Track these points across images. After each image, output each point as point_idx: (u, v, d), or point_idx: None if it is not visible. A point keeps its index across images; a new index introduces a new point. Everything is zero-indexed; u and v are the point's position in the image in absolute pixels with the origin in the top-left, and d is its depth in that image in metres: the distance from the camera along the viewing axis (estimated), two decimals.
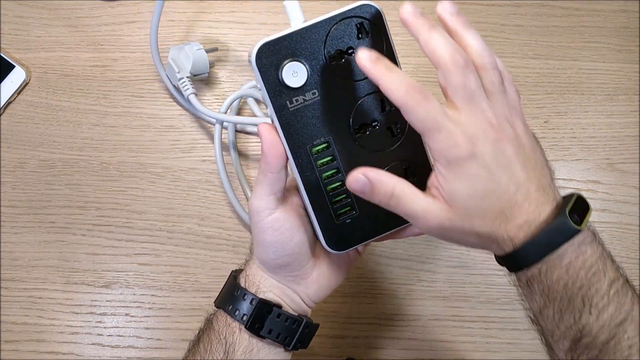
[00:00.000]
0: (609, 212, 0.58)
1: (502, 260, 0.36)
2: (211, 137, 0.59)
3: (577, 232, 0.34)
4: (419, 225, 0.35)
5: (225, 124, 0.58)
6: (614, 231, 0.58)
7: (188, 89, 0.56)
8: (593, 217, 0.58)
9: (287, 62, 0.34)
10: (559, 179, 0.59)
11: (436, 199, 0.34)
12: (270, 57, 0.34)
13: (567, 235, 0.33)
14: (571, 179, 0.59)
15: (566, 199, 0.36)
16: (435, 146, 0.33)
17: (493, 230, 0.34)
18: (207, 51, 0.57)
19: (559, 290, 0.34)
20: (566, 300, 0.34)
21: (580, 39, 0.63)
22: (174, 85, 0.58)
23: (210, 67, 0.58)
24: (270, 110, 0.35)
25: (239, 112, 0.60)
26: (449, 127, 0.32)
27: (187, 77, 0.56)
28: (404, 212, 0.35)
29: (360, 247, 0.42)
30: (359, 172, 0.34)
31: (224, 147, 0.58)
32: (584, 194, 0.59)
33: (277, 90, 0.35)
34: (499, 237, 0.34)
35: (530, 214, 0.34)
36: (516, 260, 0.35)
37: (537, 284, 0.35)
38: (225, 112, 0.57)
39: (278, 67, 0.34)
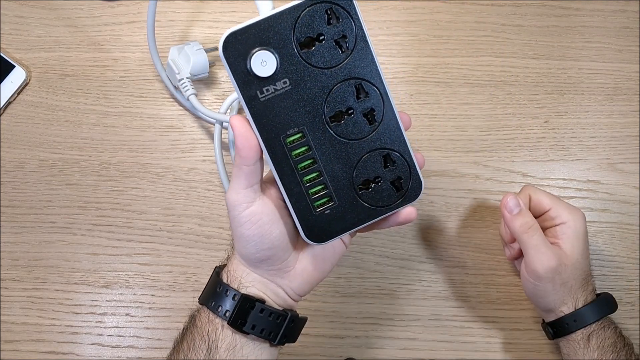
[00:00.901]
0: (609, 212, 0.58)
1: (571, 317, 0.48)
2: (211, 137, 0.59)
3: (616, 308, 0.50)
4: (537, 260, 0.47)
5: (225, 124, 0.58)
6: (614, 231, 0.58)
7: (188, 89, 0.56)
8: (593, 217, 0.59)
9: (255, 51, 0.33)
10: (558, 179, 0.59)
11: (557, 247, 0.48)
12: (238, 47, 0.33)
13: (616, 307, 0.50)
14: (571, 178, 0.59)
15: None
16: (563, 214, 0.49)
17: (581, 287, 0.49)
18: (207, 51, 0.57)
19: (610, 344, 0.47)
20: (615, 353, 0.47)
21: (580, 39, 0.63)
22: (174, 86, 0.58)
23: (210, 67, 0.58)
24: (241, 101, 0.35)
25: (239, 112, 0.60)
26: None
27: (187, 77, 0.56)
28: (533, 244, 0.47)
29: (345, 238, 0.41)
30: (512, 195, 0.49)
31: (224, 147, 0.58)
32: (584, 194, 0.59)
33: (246, 81, 0.34)
34: (580, 295, 0.48)
35: (592, 287, 0.50)
36: (587, 314, 0.48)
37: (595, 338, 0.48)
38: (225, 113, 0.57)
39: (246, 57, 0.34)
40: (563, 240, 0.48)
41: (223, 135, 0.58)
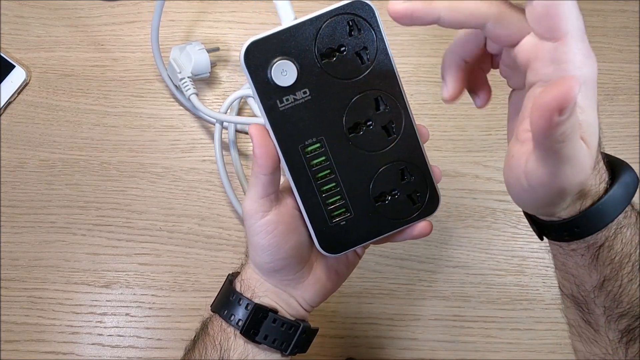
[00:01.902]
0: None
1: (570, 225, 0.32)
2: (211, 137, 0.59)
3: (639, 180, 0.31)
4: (574, 173, 0.28)
5: (225, 124, 0.58)
6: None
7: (189, 88, 0.56)
8: None
9: (276, 61, 0.33)
10: None
11: (582, 141, 0.28)
12: (259, 56, 0.34)
13: (636, 186, 0.31)
14: None
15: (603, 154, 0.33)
16: (577, 59, 0.29)
17: (593, 182, 0.31)
18: (209, 51, 0.57)
19: (630, 253, 0.32)
20: (637, 265, 0.32)
21: None
22: (175, 85, 0.58)
23: (211, 67, 0.58)
24: (261, 110, 0.35)
25: (239, 112, 0.60)
26: (587, 41, 0.28)
27: (189, 77, 0.56)
28: (575, 152, 0.27)
29: (359, 249, 0.41)
30: (577, 81, 0.24)
31: (224, 146, 0.58)
32: None
33: (266, 90, 0.34)
34: (591, 192, 0.31)
35: (602, 163, 0.32)
36: (596, 218, 0.31)
37: (607, 249, 0.32)
38: (226, 112, 0.57)
39: (267, 66, 0.34)
40: (583, 117, 0.28)
41: (223, 135, 0.58)
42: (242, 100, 0.60)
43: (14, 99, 0.60)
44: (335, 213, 0.37)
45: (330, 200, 0.37)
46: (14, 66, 0.59)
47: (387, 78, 0.35)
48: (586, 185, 0.30)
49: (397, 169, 0.37)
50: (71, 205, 0.57)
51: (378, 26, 0.34)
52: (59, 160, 0.58)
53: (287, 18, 0.35)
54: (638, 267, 0.32)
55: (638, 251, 0.32)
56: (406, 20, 0.29)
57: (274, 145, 0.35)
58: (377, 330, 0.56)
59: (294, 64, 0.34)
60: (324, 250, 0.38)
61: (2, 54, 0.60)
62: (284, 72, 0.34)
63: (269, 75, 0.34)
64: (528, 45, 0.29)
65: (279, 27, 0.34)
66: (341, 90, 0.35)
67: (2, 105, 0.59)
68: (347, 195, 0.37)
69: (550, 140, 0.26)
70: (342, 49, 0.34)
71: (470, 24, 0.29)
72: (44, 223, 0.57)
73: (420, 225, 0.39)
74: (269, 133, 0.35)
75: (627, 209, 0.31)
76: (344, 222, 0.37)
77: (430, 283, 0.57)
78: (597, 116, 0.29)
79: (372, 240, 0.39)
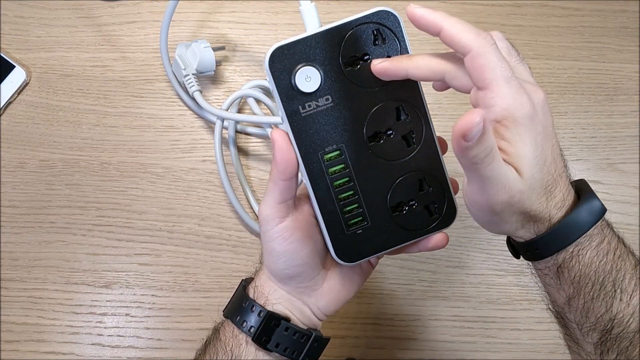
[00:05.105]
0: (609, 212, 0.58)
1: (530, 247, 0.35)
2: (211, 137, 0.59)
3: (605, 212, 0.35)
4: (496, 192, 0.32)
5: (225, 123, 0.58)
6: None
7: (193, 85, 0.56)
8: None
9: (301, 67, 0.34)
10: None
11: (510, 167, 0.32)
12: (284, 61, 0.34)
13: (598, 215, 0.34)
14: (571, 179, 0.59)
15: (577, 182, 0.37)
16: (502, 102, 0.31)
17: (540, 208, 0.33)
18: (214, 49, 0.57)
19: (590, 274, 0.34)
20: (598, 285, 0.34)
21: (580, 39, 0.63)
22: (179, 82, 0.58)
23: (216, 66, 0.58)
24: (282, 115, 0.35)
25: (238, 112, 0.60)
26: (516, 83, 0.32)
27: (193, 73, 0.56)
28: (493, 173, 0.31)
29: (373, 259, 0.41)
30: (479, 114, 0.28)
31: (224, 142, 0.58)
32: None
33: (289, 95, 0.34)
34: (541, 216, 0.34)
35: (563, 191, 0.34)
36: (552, 241, 0.34)
37: (567, 270, 0.35)
38: (227, 109, 0.57)
39: (291, 72, 0.34)
40: (511, 149, 0.32)
41: (223, 134, 0.58)
42: (242, 101, 0.60)
43: (14, 99, 0.60)
44: (352, 221, 0.37)
45: (348, 209, 0.37)
46: (14, 66, 0.59)
47: (409, 88, 0.35)
48: (531, 210, 0.33)
49: (415, 179, 0.37)
50: (71, 206, 0.57)
51: (402, 36, 0.35)
52: (59, 160, 0.58)
53: (313, 25, 0.35)
54: (599, 286, 0.34)
55: (598, 271, 0.34)
56: (384, 76, 0.34)
57: (294, 151, 0.35)
58: (377, 330, 0.56)
59: (318, 71, 0.34)
60: (340, 258, 0.38)
61: (2, 54, 0.60)
62: (307, 78, 0.34)
63: (292, 81, 0.34)
64: (472, 94, 0.33)
65: (304, 34, 0.34)
66: (363, 98, 0.35)
67: (2, 105, 0.59)
68: (365, 203, 0.37)
69: (467, 162, 0.31)
70: (366, 57, 0.35)
71: (432, 78, 0.34)
72: (44, 223, 0.57)
73: (436, 238, 0.38)
74: (289, 139, 0.35)
75: (589, 232, 0.34)
76: (361, 231, 0.37)
77: (430, 283, 0.57)
78: (535, 152, 0.32)
79: (387, 251, 0.38)
